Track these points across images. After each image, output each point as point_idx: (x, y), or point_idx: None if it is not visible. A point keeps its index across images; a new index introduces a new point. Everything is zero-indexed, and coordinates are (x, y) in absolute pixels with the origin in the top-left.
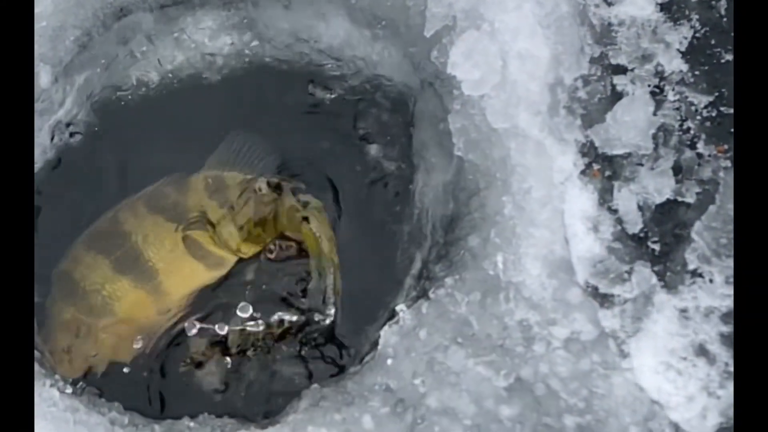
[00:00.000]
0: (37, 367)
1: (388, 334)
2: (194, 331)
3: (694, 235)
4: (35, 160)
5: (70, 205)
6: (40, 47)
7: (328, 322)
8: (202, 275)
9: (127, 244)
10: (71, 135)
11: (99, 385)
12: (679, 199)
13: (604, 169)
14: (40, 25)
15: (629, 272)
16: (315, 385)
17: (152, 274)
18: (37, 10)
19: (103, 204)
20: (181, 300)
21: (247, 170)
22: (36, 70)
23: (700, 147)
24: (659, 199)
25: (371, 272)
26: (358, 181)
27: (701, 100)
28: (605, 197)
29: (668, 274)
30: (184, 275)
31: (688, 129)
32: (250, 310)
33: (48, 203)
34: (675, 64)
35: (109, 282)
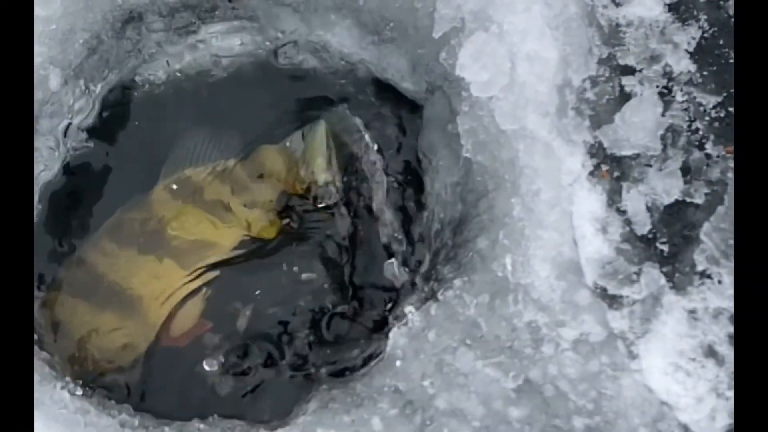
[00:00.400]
0: (47, 369)
1: (396, 336)
2: (214, 368)
3: (702, 236)
4: (46, 164)
5: (82, 207)
6: (50, 50)
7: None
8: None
9: (105, 285)
10: (81, 136)
11: (109, 386)
12: (688, 200)
13: (613, 170)
14: (49, 28)
15: (638, 273)
16: (324, 387)
17: (136, 304)
18: (45, 13)
19: (115, 204)
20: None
21: (210, 160)
22: (45, 72)
23: (709, 148)
24: (668, 200)
25: (379, 273)
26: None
27: (709, 100)
28: (614, 198)
29: (677, 275)
30: (167, 292)
31: (697, 130)
32: None
33: (59, 205)
34: (683, 65)
35: (94, 323)
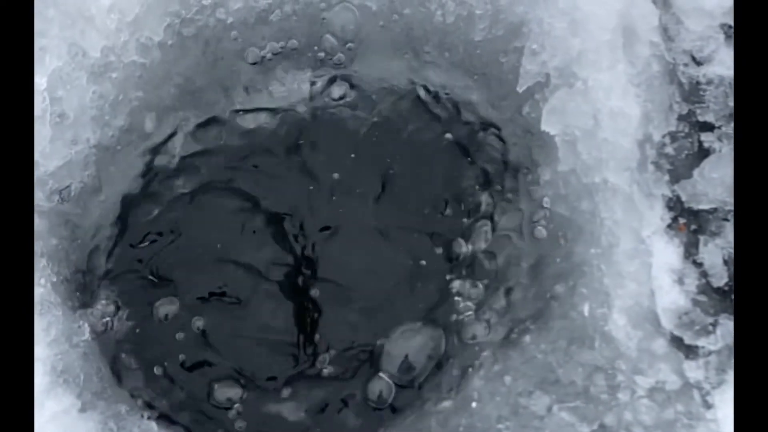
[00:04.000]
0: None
1: (472, 377)
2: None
3: None
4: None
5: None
6: (146, 94)
7: None
8: None
9: None
10: (174, 176)
11: None
12: None
13: (690, 223)
14: (148, 74)
15: (714, 325)
16: (402, 423)
17: None
18: (144, 60)
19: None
20: None
21: None
22: (141, 116)
23: None
24: None
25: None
26: (447, 226)
27: None
28: (691, 251)
29: None
30: None
31: None
32: None
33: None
34: None
35: None
